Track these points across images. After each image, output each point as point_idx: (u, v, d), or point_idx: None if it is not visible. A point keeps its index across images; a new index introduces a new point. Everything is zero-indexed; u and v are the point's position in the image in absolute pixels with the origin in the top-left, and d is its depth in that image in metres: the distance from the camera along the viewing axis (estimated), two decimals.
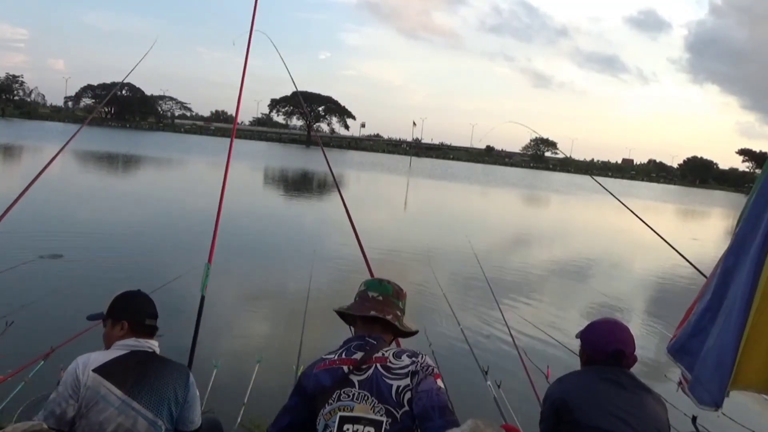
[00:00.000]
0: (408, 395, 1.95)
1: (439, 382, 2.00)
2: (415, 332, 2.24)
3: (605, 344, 2.25)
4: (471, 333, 6.65)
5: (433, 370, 2.02)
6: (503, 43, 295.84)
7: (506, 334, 7.21)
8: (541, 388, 4.19)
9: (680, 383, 2.00)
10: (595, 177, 4.51)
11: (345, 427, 1.86)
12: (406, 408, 1.93)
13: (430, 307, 7.55)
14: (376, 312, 2.11)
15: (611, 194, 3.86)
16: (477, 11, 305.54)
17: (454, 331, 4.85)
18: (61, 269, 8.64)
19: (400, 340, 2.40)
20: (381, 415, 1.90)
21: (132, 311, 2.30)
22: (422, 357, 2.04)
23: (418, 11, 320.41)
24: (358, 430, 1.86)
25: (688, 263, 3.18)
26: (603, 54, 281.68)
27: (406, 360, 2.01)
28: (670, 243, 3.36)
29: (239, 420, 3.78)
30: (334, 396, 1.97)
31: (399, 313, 2.18)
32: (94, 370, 2.13)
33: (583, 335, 2.39)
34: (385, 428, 1.87)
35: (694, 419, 2.43)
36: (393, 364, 2.00)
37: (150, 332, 2.32)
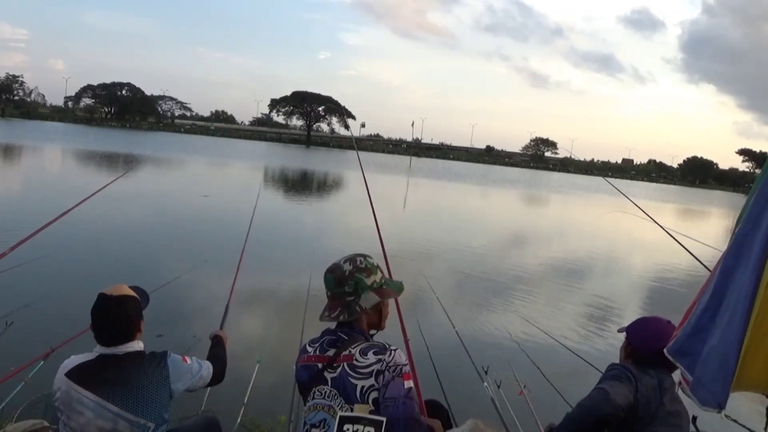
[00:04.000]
0: (374, 395, 1.92)
1: (408, 384, 1.94)
2: (377, 302, 2.09)
3: (655, 341, 2.16)
4: (470, 333, 6.66)
5: (401, 369, 1.94)
6: (499, 43, 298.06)
7: (506, 333, 7.22)
8: (540, 387, 4.19)
9: (680, 383, 2.00)
10: (608, 179, 4.42)
11: (345, 427, 1.85)
12: (372, 408, 1.91)
13: (428, 308, 7.54)
14: (330, 313, 2.07)
15: (625, 197, 3.79)
16: (472, 11, 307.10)
17: (452, 332, 4.84)
18: (61, 269, 8.64)
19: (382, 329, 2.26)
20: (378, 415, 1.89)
21: (91, 318, 2.22)
22: (390, 354, 1.95)
23: (413, 10, 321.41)
24: (358, 430, 1.84)
25: (702, 265, 3.14)
26: (598, 53, 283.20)
27: (371, 358, 1.95)
28: (684, 245, 3.32)
29: (239, 420, 3.78)
30: (311, 393, 2.01)
31: (350, 299, 2.07)
32: (65, 374, 2.13)
33: (631, 330, 2.33)
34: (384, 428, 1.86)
35: (694, 419, 2.43)
36: (359, 362, 1.96)
37: (106, 341, 2.19)
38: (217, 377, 2.54)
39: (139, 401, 2.13)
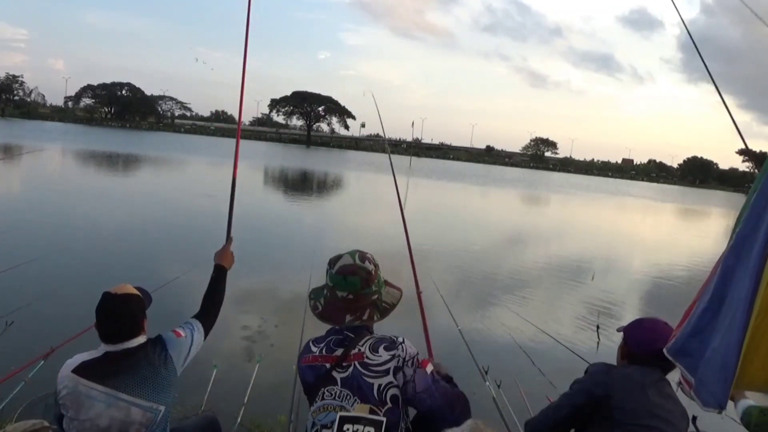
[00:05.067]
0: (392, 392, 1.92)
1: (429, 368, 1.97)
2: (399, 297, 2.15)
3: (652, 343, 2.20)
4: (470, 333, 6.65)
5: (417, 359, 1.97)
6: (498, 43, 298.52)
7: (506, 333, 7.22)
8: (541, 387, 4.19)
9: (680, 383, 2.00)
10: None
11: (345, 427, 1.85)
12: (390, 405, 1.90)
13: (428, 307, 7.55)
14: (351, 315, 2.03)
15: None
16: (470, 10, 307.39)
17: (453, 331, 4.85)
18: (61, 269, 8.64)
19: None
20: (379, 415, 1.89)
21: (96, 317, 2.24)
22: (401, 348, 1.96)
23: (411, 10, 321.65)
24: (358, 430, 1.85)
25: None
26: (597, 53, 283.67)
27: (384, 355, 1.95)
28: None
29: (239, 420, 3.78)
30: (319, 394, 1.97)
31: (375, 297, 2.07)
32: (72, 371, 2.14)
33: (628, 331, 2.36)
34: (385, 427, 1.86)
35: (694, 419, 2.43)
36: (370, 360, 1.94)
37: (110, 339, 2.21)
38: (210, 326, 2.57)
39: (150, 387, 2.17)
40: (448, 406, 1.94)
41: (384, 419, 1.87)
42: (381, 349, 1.96)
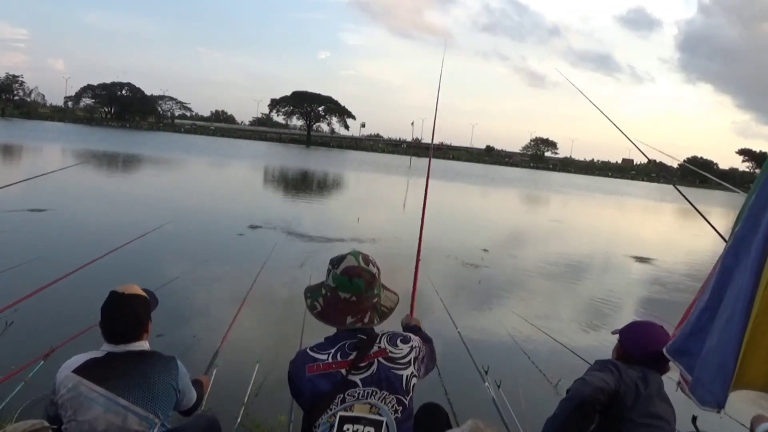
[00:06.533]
0: (413, 381, 2.00)
1: (421, 338, 2.18)
2: (397, 302, 2.18)
3: (646, 345, 2.23)
4: (470, 333, 6.65)
5: (419, 339, 2.14)
6: (497, 42, 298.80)
7: (506, 333, 7.22)
8: (541, 387, 4.20)
9: (679, 383, 2.00)
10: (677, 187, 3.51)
11: (345, 427, 1.86)
12: (411, 393, 1.98)
13: (427, 307, 7.55)
14: (352, 318, 2.01)
15: (692, 205, 3.28)
16: (468, 10, 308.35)
17: (453, 332, 4.85)
18: (61, 269, 8.63)
19: None
20: (386, 413, 1.90)
21: (101, 315, 2.25)
22: (414, 340, 2.09)
23: (410, 10, 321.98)
24: (358, 430, 1.86)
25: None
26: (595, 53, 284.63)
27: (404, 348, 2.03)
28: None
29: (239, 420, 3.78)
30: (336, 400, 1.91)
31: (375, 300, 2.07)
32: (73, 371, 2.14)
33: (624, 333, 2.38)
34: (385, 427, 1.87)
35: (694, 419, 2.44)
36: (395, 353, 2.00)
37: (114, 339, 2.22)
38: (194, 408, 2.57)
39: (149, 396, 2.16)
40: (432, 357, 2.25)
41: (384, 419, 1.88)
42: (399, 342, 2.03)
